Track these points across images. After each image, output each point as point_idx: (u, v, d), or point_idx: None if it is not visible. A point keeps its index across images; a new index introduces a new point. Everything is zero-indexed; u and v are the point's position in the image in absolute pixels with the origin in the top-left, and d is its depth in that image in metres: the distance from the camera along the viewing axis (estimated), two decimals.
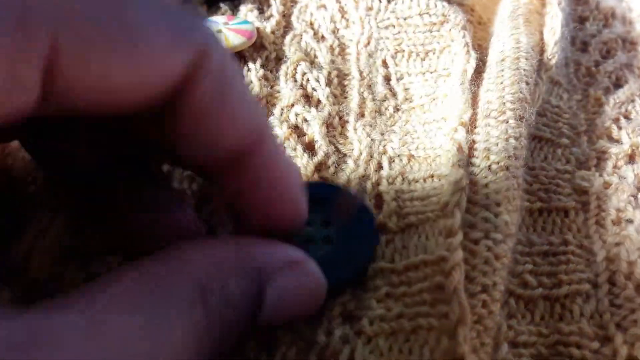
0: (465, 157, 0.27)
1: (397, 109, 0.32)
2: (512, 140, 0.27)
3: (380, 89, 0.32)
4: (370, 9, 0.36)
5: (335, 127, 0.31)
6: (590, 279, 0.26)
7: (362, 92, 0.32)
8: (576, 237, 0.28)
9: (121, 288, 0.17)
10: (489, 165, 0.27)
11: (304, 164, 0.28)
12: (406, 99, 0.32)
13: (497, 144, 0.27)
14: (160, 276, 0.17)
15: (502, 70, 0.31)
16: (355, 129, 0.30)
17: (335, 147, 0.30)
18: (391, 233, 0.26)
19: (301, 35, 0.35)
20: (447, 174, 0.27)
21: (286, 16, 0.37)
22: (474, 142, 0.28)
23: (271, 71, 0.33)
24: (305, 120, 0.30)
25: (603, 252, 0.27)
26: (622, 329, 0.24)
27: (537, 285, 0.26)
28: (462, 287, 0.22)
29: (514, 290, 0.25)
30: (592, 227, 0.28)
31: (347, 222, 0.25)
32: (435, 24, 0.35)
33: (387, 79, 0.33)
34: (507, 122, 0.28)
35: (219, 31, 0.33)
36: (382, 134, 0.30)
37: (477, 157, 0.27)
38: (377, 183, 0.28)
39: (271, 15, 0.36)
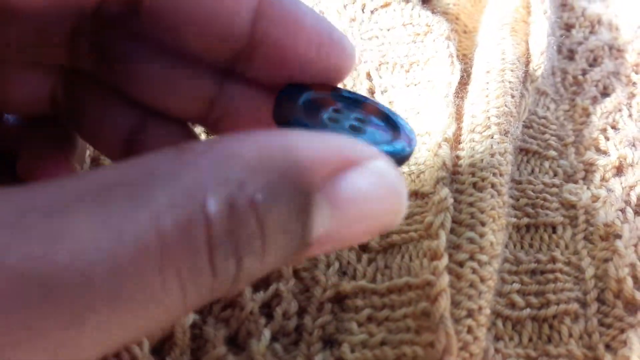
0: (450, 174, 0.27)
1: None
2: (497, 156, 0.27)
3: None
4: (354, 20, 0.35)
5: None
6: (578, 298, 0.25)
7: None
8: (564, 253, 0.27)
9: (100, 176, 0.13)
10: (474, 183, 0.26)
11: None
12: None
13: (482, 160, 0.27)
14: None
15: (487, 82, 0.30)
16: None
17: None
18: (373, 252, 0.25)
19: None
20: (431, 192, 0.26)
21: None
22: (458, 158, 0.27)
23: None
24: None
25: (592, 269, 0.26)
26: (612, 350, 0.24)
27: (524, 306, 0.25)
28: (449, 314, 0.21)
29: (501, 311, 0.25)
30: (580, 243, 0.28)
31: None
32: (419, 34, 0.34)
33: (372, 92, 0.33)
34: (492, 137, 0.27)
35: None
36: None
37: (461, 174, 0.27)
38: None
39: None
